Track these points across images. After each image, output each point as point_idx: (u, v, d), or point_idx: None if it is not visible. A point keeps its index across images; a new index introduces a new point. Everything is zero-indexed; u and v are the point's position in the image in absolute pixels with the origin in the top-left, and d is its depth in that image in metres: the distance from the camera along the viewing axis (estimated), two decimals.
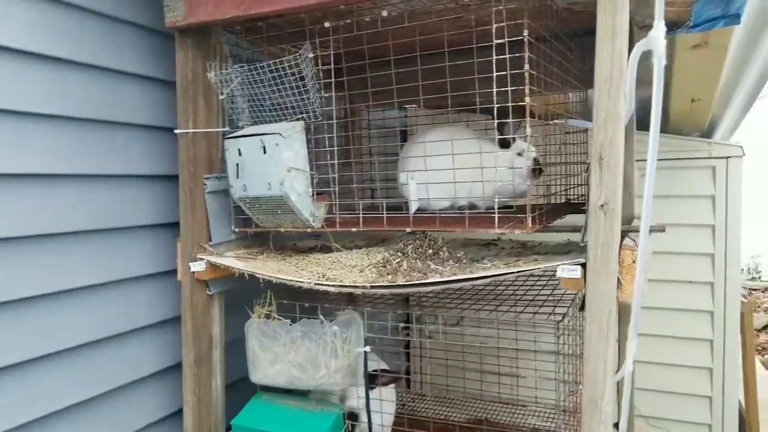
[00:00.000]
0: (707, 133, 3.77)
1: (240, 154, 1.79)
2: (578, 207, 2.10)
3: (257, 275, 1.77)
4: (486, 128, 2.14)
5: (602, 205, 1.37)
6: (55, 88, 1.66)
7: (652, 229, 1.70)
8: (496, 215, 1.58)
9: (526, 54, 1.46)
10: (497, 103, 1.56)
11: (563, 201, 2.17)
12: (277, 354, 1.89)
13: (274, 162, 1.73)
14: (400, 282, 1.59)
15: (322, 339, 1.83)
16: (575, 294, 1.97)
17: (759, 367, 4.54)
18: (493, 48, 1.49)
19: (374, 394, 1.97)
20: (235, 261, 1.88)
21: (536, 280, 2.14)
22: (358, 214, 1.84)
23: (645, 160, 1.16)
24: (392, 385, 2.20)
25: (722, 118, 3.69)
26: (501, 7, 1.49)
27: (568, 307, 1.98)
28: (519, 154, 1.96)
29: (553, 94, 1.88)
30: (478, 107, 1.79)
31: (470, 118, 2.24)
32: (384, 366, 2.17)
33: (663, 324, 3.30)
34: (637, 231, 1.40)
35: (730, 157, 3.15)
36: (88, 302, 1.77)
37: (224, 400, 2.01)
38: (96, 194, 1.79)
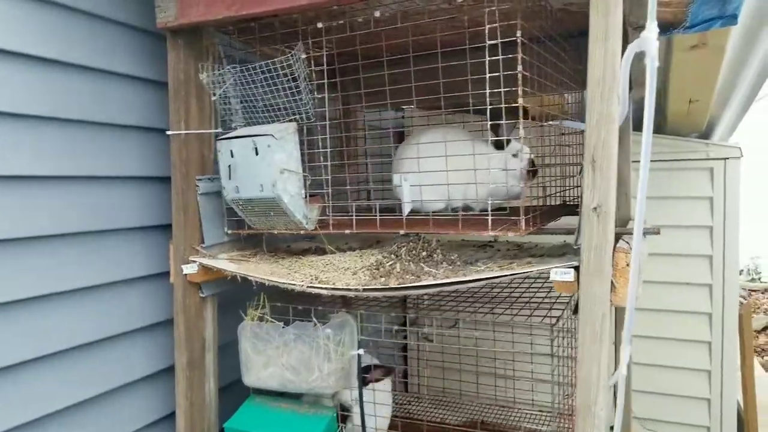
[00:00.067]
0: (705, 135, 3.76)
1: (232, 156, 1.78)
2: (574, 208, 2.09)
3: (249, 278, 1.76)
4: (482, 129, 2.13)
5: (595, 208, 1.35)
6: (44, 88, 1.64)
7: (647, 232, 1.68)
8: (489, 217, 1.57)
9: (519, 55, 1.44)
10: (491, 105, 1.55)
11: (559, 202, 2.15)
12: (270, 357, 1.87)
13: (267, 163, 1.72)
14: (392, 285, 1.58)
15: (315, 342, 1.82)
16: (570, 296, 1.95)
17: (758, 368, 4.54)
18: (486, 49, 1.48)
19: (368, 396, 1.96)
20: (227, 263, 1.87)
21: (532, 282, 2.13)
22: (352, 216, 1.83)
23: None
24: (388, 386, 2.19)
25: (720, 120, 3.67)
26: (494, 8, 1.48)
27: (564, 309, 1.97)
28: (514, 156, 1.95)
29: (549, 95, 1.87)
30: (471, 108, 1.78)
31: (467, 120, 2.22)
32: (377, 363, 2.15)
33: (661, 326, 3.29)
34: (632, 233, 1.38)
35: (728, 158, 3.14)
36: (80, 305, 1.76)
37: (217, 403, 2.00)
38: (87, 196, 1.78)
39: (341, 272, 1.75)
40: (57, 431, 1.70)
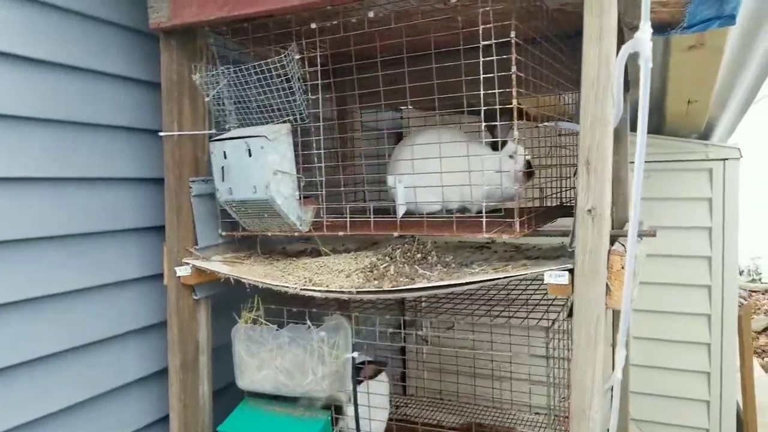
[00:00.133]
0: (704, 136, 3.75)
1: (225, 157, 1.76)
2: (571, 210, 2.07)
3: (243, 280, 1.75)
4: (479, 130, 2.11)
5: (590, 210, 1.34)
6: (32, 89, 1.62)
7: (642, 234, 1.67)
8: (484, 219, 1.55)
9: (513, 56, 1.43)
10: (485, 105, 1.53)
11: (557, 204, 2.14)
12: (264, 360, 1.86)
13: (260, 165, 1.71)
14: (386, 287, 1.56)
15: (309, 345, 1.81)
16: (566, 298, 1.94)
17: (758, 369, 4.52)
18: (480, 50, 1.47)
19: (365, 396, 1.95)
20: (221, 265, 1.85)
21: (529, 283, 2.12)
22: (346, 217, 1.82)
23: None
24: (385, 387, 2.17)
25: (719, 121, 3.66)
26: (488, 8, 1.47)
27: (560, 311, 1.95)
28: (511, 157, 1.93)
29: (544, 96, 1.85)
30: (466, 109, 1.77)
31: (464, 120, 2.21)
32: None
33: (660, 327, 3.27)
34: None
35: (727, 159, 3.12)
36: (72, 307, 1.75)
37: (211, 406, 1.99)
38: (78, 198, 1.76)
39: (335, 275, 1.74)
40: None
